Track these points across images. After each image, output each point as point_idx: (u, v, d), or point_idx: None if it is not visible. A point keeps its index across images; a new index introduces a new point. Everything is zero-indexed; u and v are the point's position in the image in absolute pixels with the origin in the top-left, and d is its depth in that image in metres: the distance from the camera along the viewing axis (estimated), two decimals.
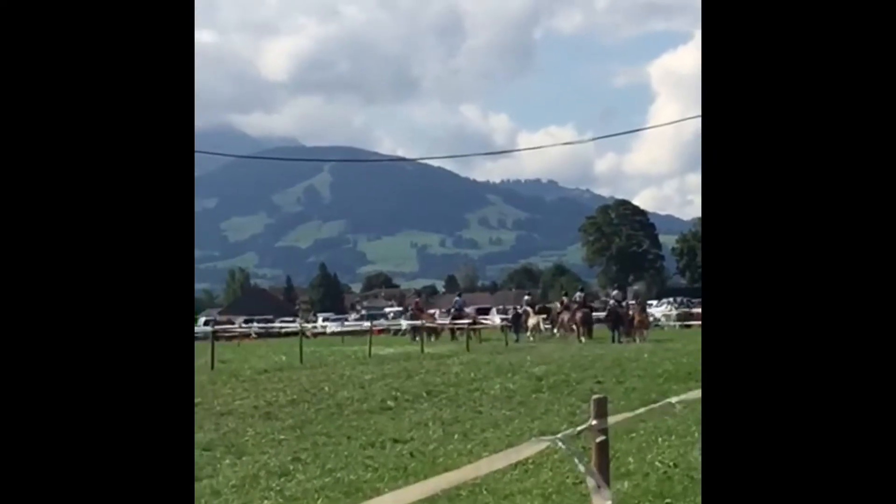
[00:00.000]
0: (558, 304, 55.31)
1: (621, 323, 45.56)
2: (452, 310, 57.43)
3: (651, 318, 63.40)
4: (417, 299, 68.63)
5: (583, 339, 43.75)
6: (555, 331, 49.32)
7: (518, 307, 57.02)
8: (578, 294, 52.99)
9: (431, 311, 66.84)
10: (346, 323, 65.66)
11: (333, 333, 65.66)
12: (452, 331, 50.82)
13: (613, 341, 42.37)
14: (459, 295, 67.25)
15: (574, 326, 46.91)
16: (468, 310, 59.08)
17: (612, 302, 50.30)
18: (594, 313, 50.46)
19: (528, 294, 63.68)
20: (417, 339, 46.63)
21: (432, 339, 50.05)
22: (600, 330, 48.30)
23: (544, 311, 53.89)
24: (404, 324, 56.35)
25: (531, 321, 50.89)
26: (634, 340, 42.15)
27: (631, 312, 47.55)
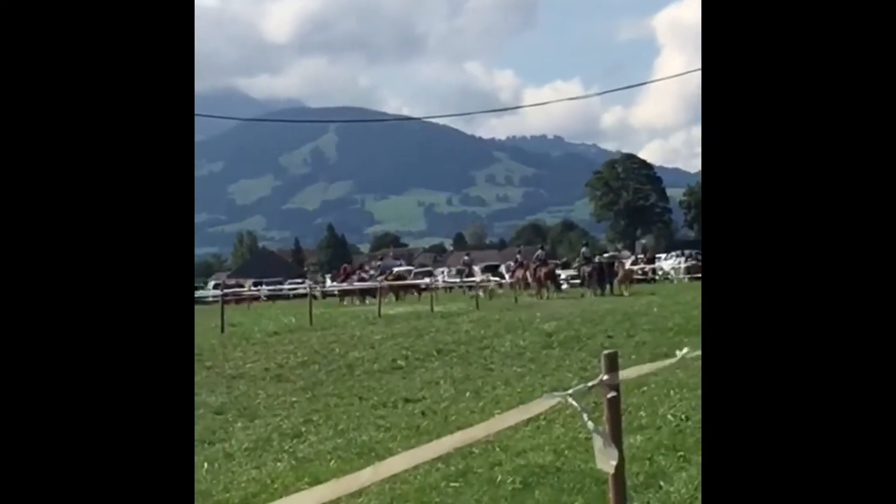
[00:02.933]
0: (511, 263, 59.48)
1: (603, 277, 47.84)
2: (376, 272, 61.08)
3: (660, 272, 64.77)
4: (346, 265, 70.52)
5: (553, 294, 46.01)
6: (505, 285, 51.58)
7: (462, 266, 59.93)
8: (540, 251, 55.45)
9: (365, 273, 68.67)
10: (355, 283, 65.80)
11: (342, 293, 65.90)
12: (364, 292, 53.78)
13: (597, 295, 44.56)
14: (381, 259, 70.55)
15: (532, 282, 49.74)
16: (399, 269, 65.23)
17: (580, 258, 54.37)
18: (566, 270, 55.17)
19: (468, 255, 66.04)
20: (346, 301, 51.93)
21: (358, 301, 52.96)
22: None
23: (490, 268, 56.82)
24: (331, 286, 59.03)
25: (478, 279, 53.09)
26: (622, 294, 44.44)
27: (615, 266, 50.83)
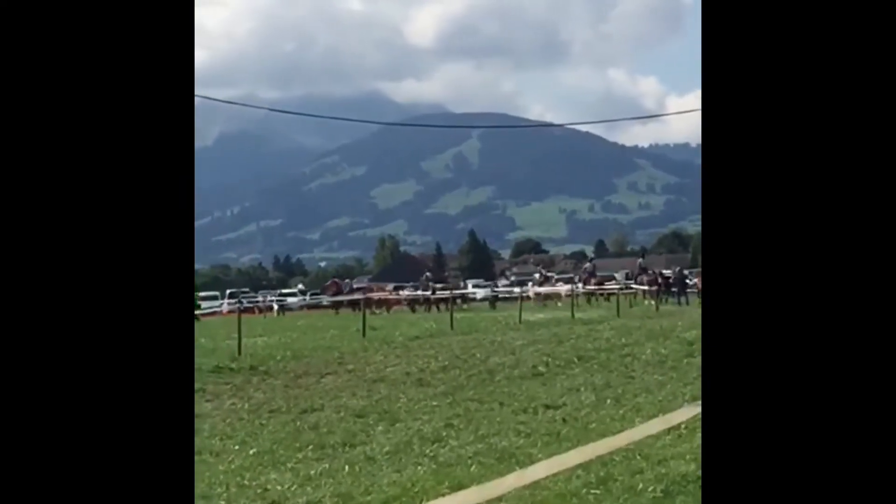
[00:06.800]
0: (537, 276, 62.90)
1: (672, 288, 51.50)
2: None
3: None
4: (335, 280, 71.85)
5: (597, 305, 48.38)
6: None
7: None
8: (588, 264, 59.19)
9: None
10: (496, 289, 66.29)
11: (483, 299, 66.14)
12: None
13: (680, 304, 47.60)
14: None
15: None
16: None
17: (636, 268, 57.66)
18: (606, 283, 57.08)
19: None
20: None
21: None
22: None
23: (521, 283, 59.79)
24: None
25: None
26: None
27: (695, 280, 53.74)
